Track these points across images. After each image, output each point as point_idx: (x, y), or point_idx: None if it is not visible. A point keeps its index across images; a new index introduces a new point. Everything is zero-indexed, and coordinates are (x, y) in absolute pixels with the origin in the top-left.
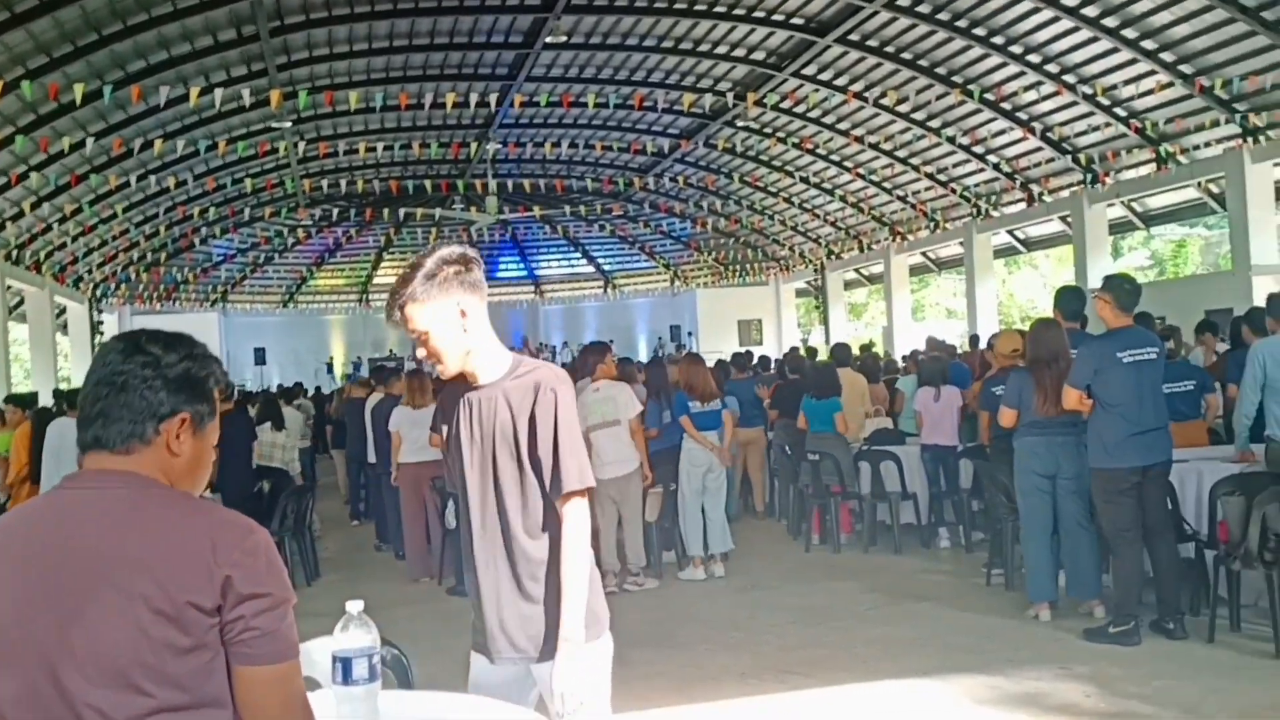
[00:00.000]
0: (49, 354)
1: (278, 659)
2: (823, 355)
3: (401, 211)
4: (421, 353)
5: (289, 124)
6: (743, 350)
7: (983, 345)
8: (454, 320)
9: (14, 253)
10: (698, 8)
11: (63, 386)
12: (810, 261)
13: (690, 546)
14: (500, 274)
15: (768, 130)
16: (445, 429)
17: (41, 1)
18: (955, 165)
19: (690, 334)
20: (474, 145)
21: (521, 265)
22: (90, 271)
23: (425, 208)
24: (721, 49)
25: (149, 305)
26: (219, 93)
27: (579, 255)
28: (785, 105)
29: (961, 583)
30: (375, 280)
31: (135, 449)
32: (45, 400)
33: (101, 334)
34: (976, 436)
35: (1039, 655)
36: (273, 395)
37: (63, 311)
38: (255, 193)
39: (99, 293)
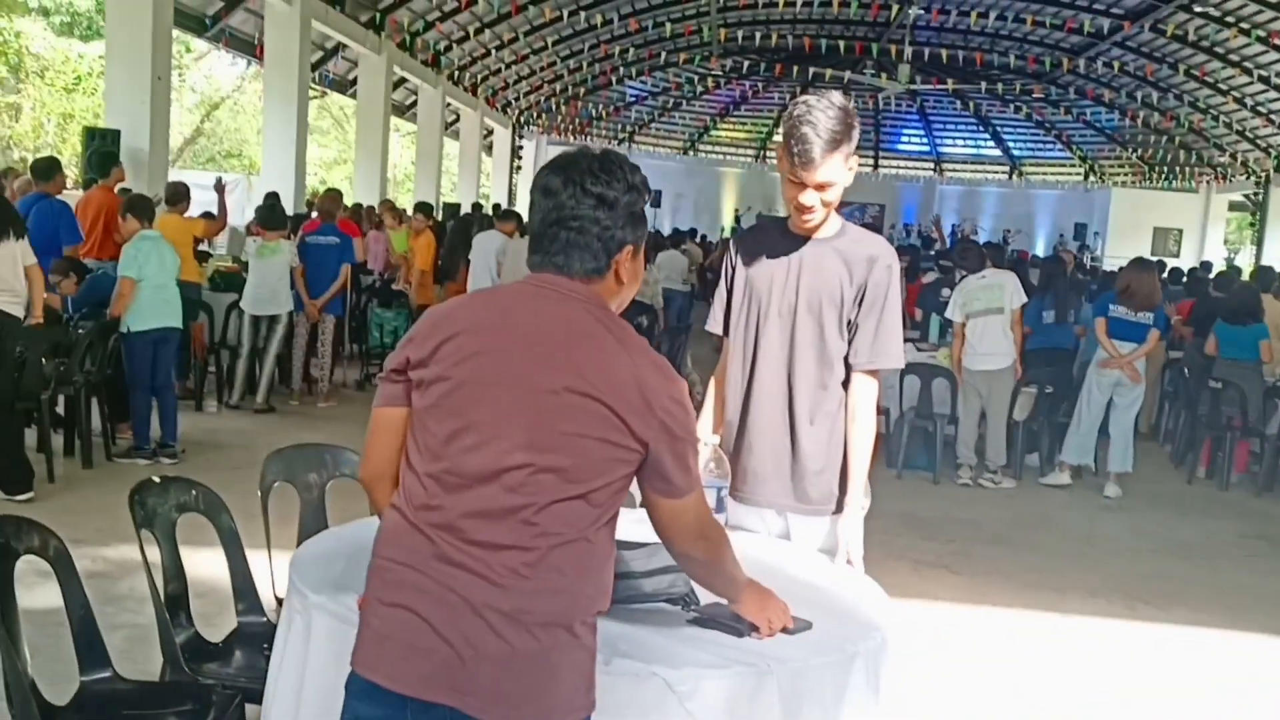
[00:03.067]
0: (474, 170)
1: (687, 492)
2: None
3: (810, 71)
4: (810, 199)
5: None
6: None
7: None
8: (848, 174)
9: (455, 74)
10: None
11: (482, 200)
12: (1253, 172)
13: (1072, 452)
14: (901, 146)
15: (1230, 19)
16: (732, 270)
17: None
18: None
19: (1097, 234)
20: (895, 8)
21: (925, 139)
22: (517, 99)
23: (835, 69)
24: None
25: (563, 137)
26: None
27: (987, 136)
28: None
29: None
30: (775, 138)
31: (593, 280)
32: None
33: (520, 158)
34: None
35: None
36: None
37: (490, 133)
38: (673, 38)
39: (522, 119)
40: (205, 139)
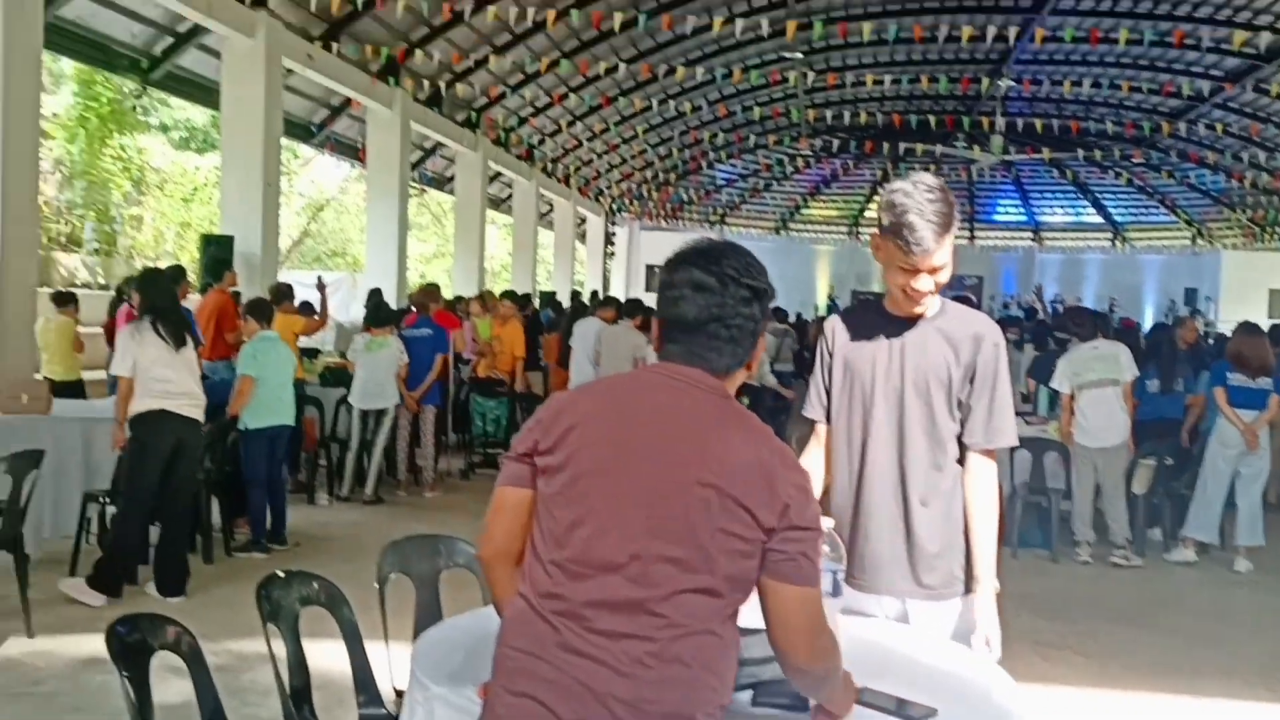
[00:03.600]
0: (569, 258)
1: (807, 583)
2: None
3: (901, 146)
4: (925, 284)
5: (800, 54)
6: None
7: None
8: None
9: (549, 165)
10: None
11: (577, 288)
12: None
13: (1197, 528)
14: (997, 217)
15: None
16: (829, 355)
17: None
18: None
19: (1209, 299)
20: (985, 81)
21: (1021, 209)
22: (609, 187)
23: (926, 143)
24: None
25: (655, 222)
26: (739, 23)
27: (1087, 203)
28: None
29: None
30: (867, 214)
31: (733, 373)
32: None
33: (613, 244)
34: None
35: None
36: None
37: (583, 221)
38: (761, 120)
39: (614, 206)
40: (311, 239)
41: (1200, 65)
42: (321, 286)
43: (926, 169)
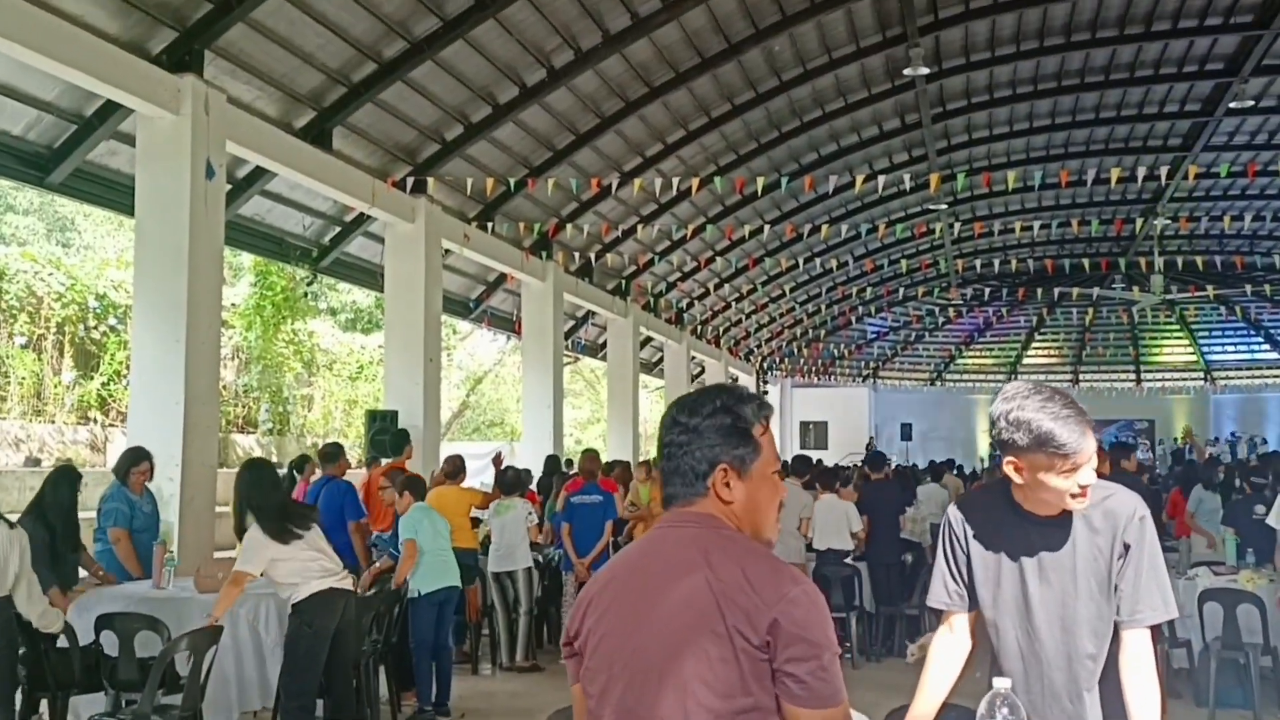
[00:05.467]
0: None
1: (821, 704)
2: None
3: (1056, 291)
4: (1090, 475)
5: (945, 206)
6: None
7: None
8: None
9: (699, 328)
10: None
11: None
12: None
13: None
14: (1163, 358)
15: None
16: (966, 556)
17: (733, 105)
18: None
19: None
20: (1139, 221)
21: (1190, 349)
22: (759, 346)
23: (1082, 287)
24: None
25: (806, 378)
26: (881, 179)
27: (1261, 339)
28: None
29: None
30: (1025, 360)
31: (696, 501)
32: None
33: None
34: None
35: None
36: (907, 470)
37: (735, 381)
38: (910, 273)
39: (765, 365)
40: (471, 411)
41: None
42: (499, 461)
43: (1084, 313)
